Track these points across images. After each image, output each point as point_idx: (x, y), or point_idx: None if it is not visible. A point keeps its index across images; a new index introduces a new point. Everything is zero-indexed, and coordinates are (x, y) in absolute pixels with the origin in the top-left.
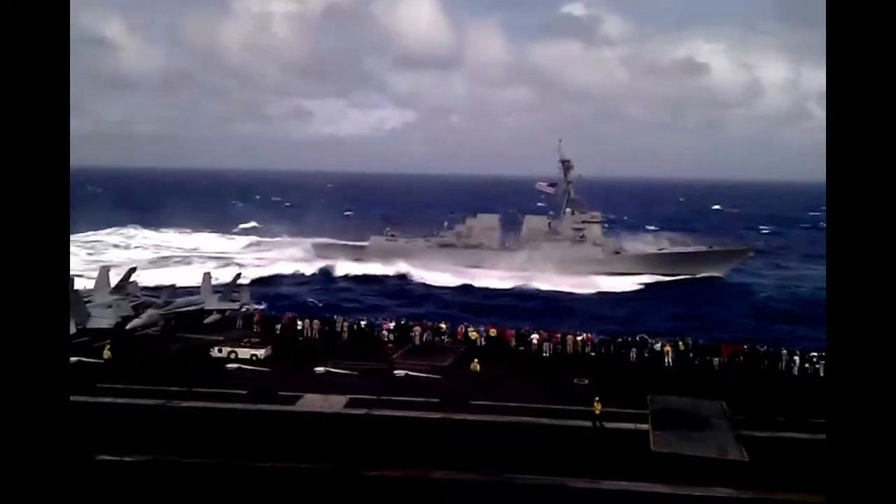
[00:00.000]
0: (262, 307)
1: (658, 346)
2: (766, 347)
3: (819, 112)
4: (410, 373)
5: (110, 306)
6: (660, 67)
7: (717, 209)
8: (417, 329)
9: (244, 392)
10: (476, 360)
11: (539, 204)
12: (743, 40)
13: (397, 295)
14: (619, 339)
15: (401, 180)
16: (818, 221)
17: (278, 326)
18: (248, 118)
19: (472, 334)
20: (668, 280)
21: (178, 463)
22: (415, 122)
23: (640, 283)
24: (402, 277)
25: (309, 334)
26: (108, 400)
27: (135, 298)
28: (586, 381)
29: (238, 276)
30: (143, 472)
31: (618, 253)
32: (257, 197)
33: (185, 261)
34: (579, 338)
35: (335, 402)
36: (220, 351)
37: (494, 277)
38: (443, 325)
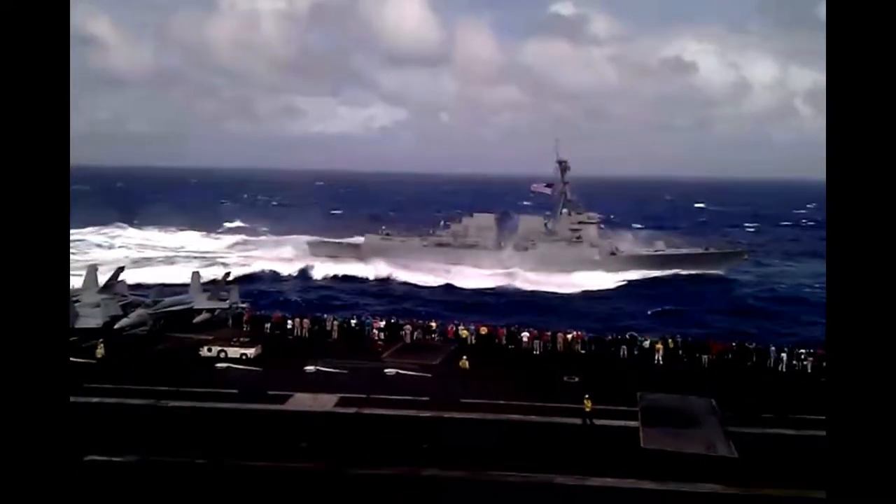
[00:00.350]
0: (244, 305)
1: (647, 344)
2: (754, 344)
3: (806, 110)
4: (401, 371)
5: (98, 306)
6: (648, 67)
7: (700, 207)
8: (408, 327)
9: (234, 391)
10: (465, 357)
11: (525, 203)
12: (730, 39)
13: (378, 294)
14: (609, 337)
15: (390, 179)
16: (801, 219)
17: (267, 325)
18: (238, 116)
19: (463, 332)
20: (648, 278)
21: (168, 463)
22: (405, 120)
23: (623, 280)
24: (385, 280)
25: (299, 333)
26: (96, 400)
27: (123, 298)
28: (576, 379)
29: (227, 275)
30: (133, 473)
31: (614, 254)
32: (244, 195)
33: (169, 260)
34: (569, 335)
35: (325, 401)
36: (209, 350)
37: (476, 277)
38: (433, 324)
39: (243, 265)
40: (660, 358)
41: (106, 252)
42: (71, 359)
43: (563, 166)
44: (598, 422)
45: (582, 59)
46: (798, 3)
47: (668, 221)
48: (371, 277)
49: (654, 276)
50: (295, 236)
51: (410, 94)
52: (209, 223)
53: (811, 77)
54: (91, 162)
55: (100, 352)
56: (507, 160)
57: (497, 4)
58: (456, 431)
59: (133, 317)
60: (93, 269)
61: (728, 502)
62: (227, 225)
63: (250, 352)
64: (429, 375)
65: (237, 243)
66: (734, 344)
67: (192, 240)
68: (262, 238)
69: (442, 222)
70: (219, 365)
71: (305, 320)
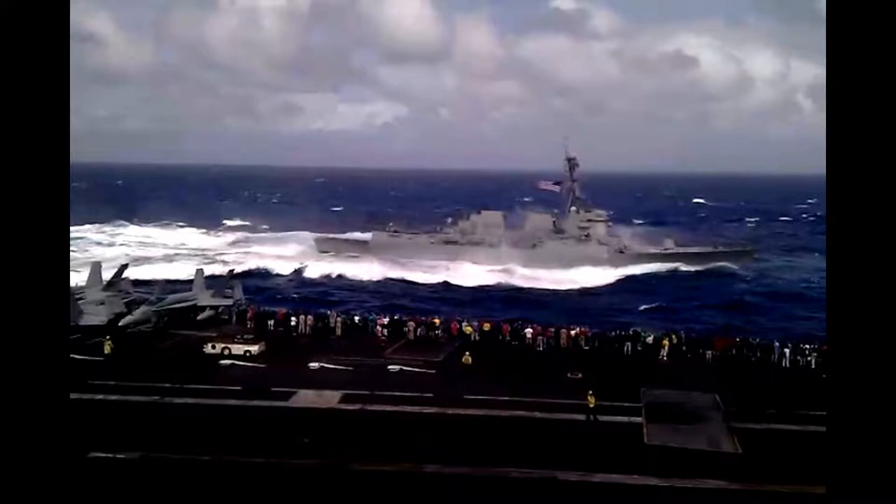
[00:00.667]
0: (240, 300)
1: (651, 340)
2: (758, 340)
3: (807, 105)
4: (404, 368)
5: (102, 303)
6: (648, 61)
7: (699, 202)
8: (411, 324)
9: (238, 388)
10: (467, 352)
11: (526, 199)
12: (731, 34)
13: (375, 291)
14: (613, 333)
15: (391, 176)
16: (800, 214)
17: (271, 322)
18: (238, 113)
19: (467, 329)
20: (646, 274)
21: (172, 459)
22: (405, 116)
23: (620, 276)
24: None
25: (303, 330)
26: (100, 397)
27: (127, 295)
28: (580, 375)
29: (231, 272)
30: (137, 469)
31: (622, 252)
32: (245, 193)
33: (169, 257)
34: (573, 331)
35: (329, 398)
36: (213, 347)
37: (473, 274)
38: (436, 320)
39: (239, 262)
40: (665, 354)
41: (105, 249)
42: (76, 356)
43: (571, 164)
44: (601, 418)
45: (582, 53)
46: None
47: (668, 217)
48: (365, 278)
49: (652, 272)
50: (295, 233)
51: (411, 90)
52: (209, 220)
53: (812, 71)
54: (90, 159)
55: (108, 348)
56: (508, 156)
57: (497, 0)
58: (460, 428)
59: (137, 314)
60: (97, 267)
61: (732, 498)
62: (228, 223)
63: (254, 349)
64: (432, 372)
65: (238, 241)
66: (738, 339)
67: (192, 237)
68: (263, 235)
69: (449, 219)
70: (223, 362)
71: (309, 317)
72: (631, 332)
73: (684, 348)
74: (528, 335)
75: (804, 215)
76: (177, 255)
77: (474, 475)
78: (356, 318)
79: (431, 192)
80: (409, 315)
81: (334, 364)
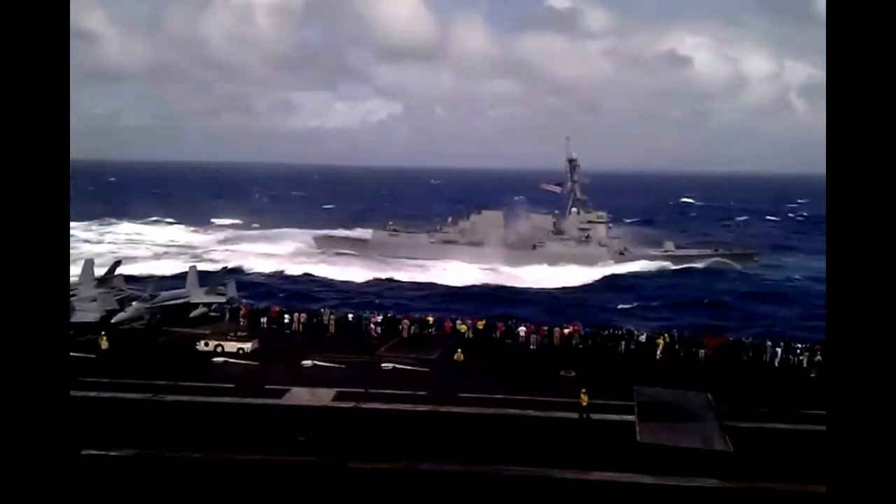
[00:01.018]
0: (233, 297)
1: (643, 339)
2: (750, 339)
3: (800, 104)
4: (398, 366)
5: (95, 300)
6: (643, 60)
7: (688, 202)
8: (405, 322)
9: (231, 386)
10: (459, 350)
11: (516, 197)
12: (725, 33)
13: (359, 292)
14: (606, 332)
15: (386, 175)
16: (787, 213)
17: (264, 320)
18: (233, 111)
19: (461, 327)
20: (630, 273)
21: (165, 457)
22: (401, 114)
23: (603, 274)
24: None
25: (296, 328)
26: (93, 394)
27: (120, 292)
28: (573, 374)
29: (224, 269)
30: (130, 467)
31: (622, 254)
32: (238, 191)
33: (158, 255)
34: (566, 330)
35: (323, 396)
36: (206, 344)
37: (456, 273)
38: (430, 319)
39: (226, 261)
40: (660, 352)
41: (94, 247)
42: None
43: (572, 165)
44: (594, 416)
45: (576, 52)
46: None
47: (660, 216)
48: (340, 279)
49: (636, 271)
50: (284, 230)
51: (406, 88)
52: (200, 218)
53: (805, 71)
54: (83, 156)
55: (104, 344)
56: (503, 154)
57: None
58: (453, 426)
59: (130, 311)
60: (89, 264)
61: (724, 496)
62: (217, 221)
63: (247, 346)
64: (426, 370)
65: (228, 238)
66: (730, 339)
67: (181, 234)
68: (253, 232)
69: (450, 219)
70: (216, 359)
71: (303, 315)
72: (624, 331)
73: (677, 347)
74: (522, 333)
75: (790, 214)
76: (165, 252)
77: (468, 473)
78: (349, 316)
79: (424, 190)
80: (402, 313)
81: (328, 362)
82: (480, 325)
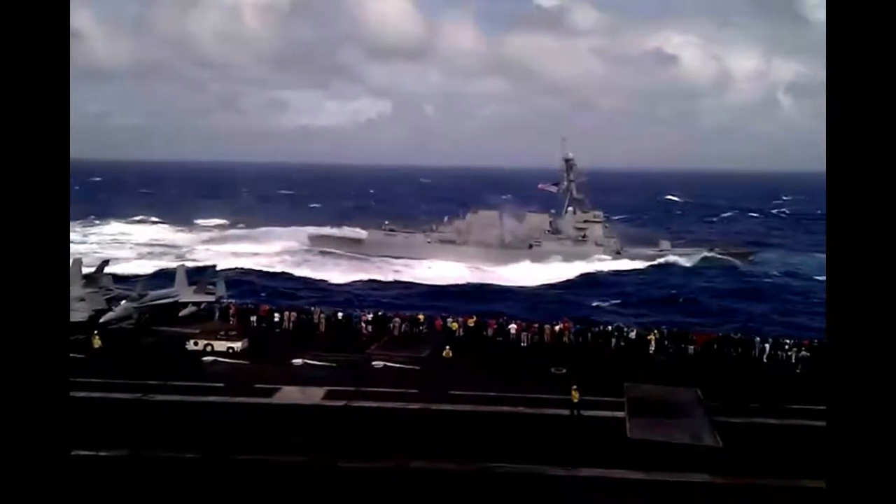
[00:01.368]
0: (222, 297)
1: (633, 335)
2: (739, 335)
3: (787, 102)
4: (389, 364)
5: (83, 299)
6: (631, 58)
7: (672, 199)
8: (396, 320)
9: (221, 385)
10: (448, 347)
11: (503, 196)
12: (713, 32)
13: (340, 291)
14: (597, 329)
15: (376, 173)
16: (771, 210)
17: (254, 318)
18: (222, 110)
19: (452, 325)
20: (610, 270)
21: (155, 457)
22: (391, 112)
23: (582, 272)
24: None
25: (286, 326)
26: (83, 394)
27: (108, 291)
28: (563, 371)
29: (213, 267)
30: (120, 467)
31: (619, 253)
32: (225, 189)
33: (143, 254)
34: (556, 327)
35: (313, 394)
36: (196, 344)
37: (437, 271)
38: (420, 316)
39: (209, 260)
40: (652, 348)
41: (77, 247)
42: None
43: (569, 164)
44: (585, 413)
45: (565, 50)
46: None
47: (645, 213)
48: (326, 278)
49: (615, 268)
50: (269, 229)
51: (397, 86)
52: (186, 217)
53: (793, 69)
54: (72, 155)
55: (97, 342)
56: (493, 152)
57: None
58: (444, 423)
59: (118, 310)
60: (77, 263)
61: (714, 491)
62: (203, 221)
63: (237, 345)
64: (417, 368)
65: (213, 238)
66: (719, 335)
67: (166, 234)
68: (238, 231)
69: (446, 218)
70: (205, 358)
71: (292, 313)
72: (613, 328)
73: (666, 343)
74: (512, 331)
75: (773, 211)
76: (149, 252)
77: (459, 471)
78: (339, 315)
79: (413, 189)
80: (392, 311)
81: (318, 360)
82: (471, 322)
